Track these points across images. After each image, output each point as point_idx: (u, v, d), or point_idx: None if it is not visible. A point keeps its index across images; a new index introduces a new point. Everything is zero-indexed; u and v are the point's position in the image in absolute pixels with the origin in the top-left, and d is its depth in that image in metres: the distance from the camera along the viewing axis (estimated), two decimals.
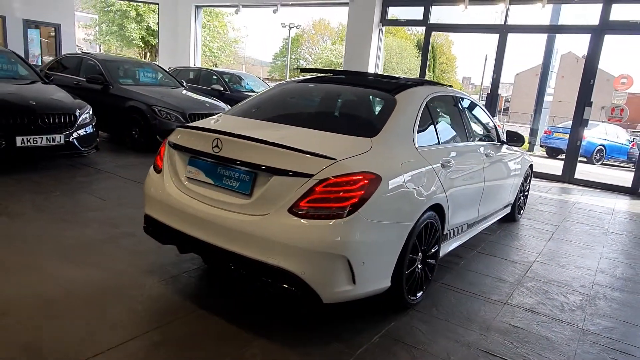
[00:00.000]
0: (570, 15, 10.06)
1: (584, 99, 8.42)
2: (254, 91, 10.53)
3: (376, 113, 3.02)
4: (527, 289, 3.49)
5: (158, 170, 2.97)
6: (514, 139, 4.63)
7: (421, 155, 2.90)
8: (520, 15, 9.23)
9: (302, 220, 2.31)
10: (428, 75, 10.68)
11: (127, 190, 5.18)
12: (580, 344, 2.73)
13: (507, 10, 9.06)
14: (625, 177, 10.15)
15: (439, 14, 10.18)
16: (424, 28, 10.13)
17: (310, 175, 2.32)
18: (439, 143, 3.28)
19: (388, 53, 37.45)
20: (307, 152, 2.40)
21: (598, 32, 8.16)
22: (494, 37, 9.30)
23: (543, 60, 17.01)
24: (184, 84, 8.68)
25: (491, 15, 9.65)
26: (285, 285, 2.36)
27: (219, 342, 2.41)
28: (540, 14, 8.97)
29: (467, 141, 3.79)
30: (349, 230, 2.29)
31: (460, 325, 2.81)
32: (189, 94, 8.05)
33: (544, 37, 16.38)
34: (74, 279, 2.93)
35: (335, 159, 2.36)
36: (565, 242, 4.88)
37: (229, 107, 4.09)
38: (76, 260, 3.21)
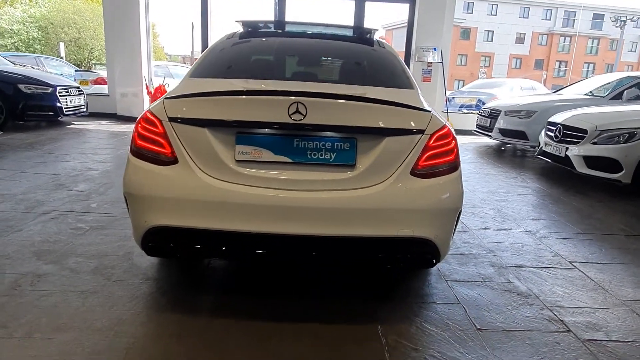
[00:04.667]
0: None
1: None
2: None
3: (388, 65, 2.86)
4: None
5: (168, 161, 2.08)
6: None
7: None
8: None
9: (425, 181, 2.12)
10: None
11: None
12: None
13: None
14: None
15: None
16: None
17: (422, 131, 2.12)
18: None
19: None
20: (412, 107, 2.17)
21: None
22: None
23: None
24: None
25: None
26: (415, 255, 2.15)
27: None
28: None
29: None
30: (461, 181, 2.24)
31: None
32: None
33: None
34: None
35: (430, 111, 2.22)
36: None
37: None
38: None
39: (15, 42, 33.31)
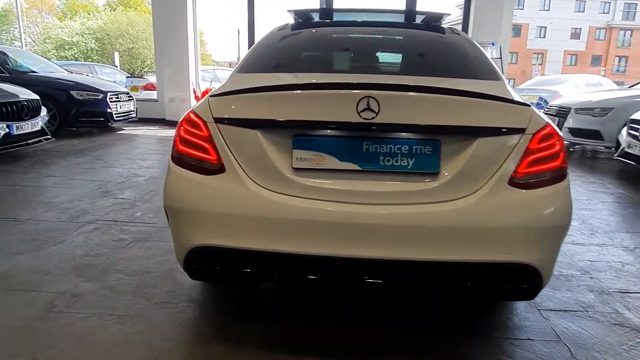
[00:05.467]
0: None
1: None
2: (34, 71, 7.88)
3: (466, 54, 2.45)
4: None
5: (214, 170, 1.77)
6: None
7: None
8: None
9: (527, 192, 1.70)
10: None
11: None
12: None
13: None
14: None
15: None
16: None
17: (522, 130, 1.70)
18: None
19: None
20: (509, 100, 1.76)
21: None
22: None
23: None
24: None
25: None
26: (513, 285, 1.73)
27: None
28: None
29: None
30: (569, 192, 1.80)
31: None
32: None
33: None
34: None
35: (530, 105, 1.80)
36: None
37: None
38: None
39: (75, 53, 35.01)
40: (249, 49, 9.32)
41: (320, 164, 1.71)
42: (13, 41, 40.42)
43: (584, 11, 55.11)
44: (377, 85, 1.66)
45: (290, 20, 2.82)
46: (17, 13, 28.43)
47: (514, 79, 46.83)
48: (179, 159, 1.85)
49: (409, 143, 1.69)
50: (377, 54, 2.55)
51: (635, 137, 5.17)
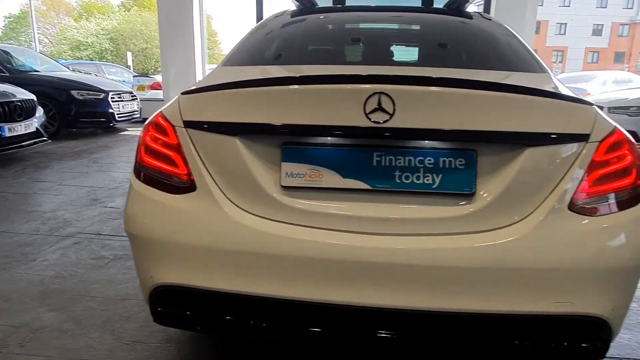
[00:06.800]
0: None
1: None
2: (36, 71, 7.62)
3: (501, 41, 2.02)
4: None
5: (183, 187, 1.38)
6: None
7: None
8: None
9: (594, 220, 1.26)
10: None
11: None
12: None
13: None
14: None
15: None
16: None
17: (585, 137, 1.27)
18: None
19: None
20: (565, 97, 1.34)
21: None
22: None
23: None
24: None
25: None
26: (576, 343, 1.30)
27: None
28: None
29: None
30: None
31: None
32: None
33: None
34: None
35: (593, 105, 1.36)
36: None
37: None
38: None
39: (90, 53, 35.23)
40: None
41: (317, 181, 1.30)
42: (31, 42, 40.87)
43: (606, 7, 53.65)
44: (390, 78, 1.25)
45: (292, 6, 2.43)
46: (31, 14, 28.64)
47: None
48: (141, 172, 1.46)
49: (435, 154, 1.27)
50: (392, 44, 2.11)
51: None
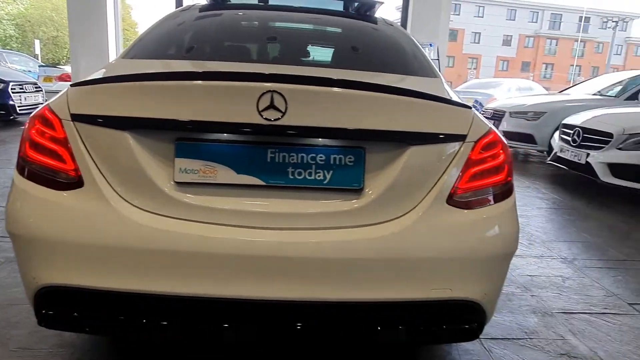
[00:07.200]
0: None
1: None
2: None
3: (400, 47, 2.11)
4: None
5: (70, 183, 1.32)
6: None
7: None
8: None
9: (469, 213, 1.39)
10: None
11: None
12: None
13: None
14: None
15: None
16: None
17: (462, 137, 1.39)
18: None
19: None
20: (447, 101, 1.45)
21: None
22: None
23: None
24: None
25: None
26: (454, 325, 1.42)
27: None
28: None
29: None
30: (516, 212, 1.52)
31: None
32: None
33: None
34: None
35: (471, 108, 1.50)
36: None
37: None
38: None
39: None
40: None
41: (212, 177, 1.31)
42: None
43: (514, 19, 58.17)
44: (282, 77, 1.28)
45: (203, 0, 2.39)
46: None
47: (451, 82, 48.46)
48: (25, 168, 1.38)
49: (326, 151, 1.32)
50: (294, 44, 2.16)
51: (567, 141, 5.18)
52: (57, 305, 1.35)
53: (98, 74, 1.47)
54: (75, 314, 1.35)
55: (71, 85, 1.40)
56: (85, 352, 1.77)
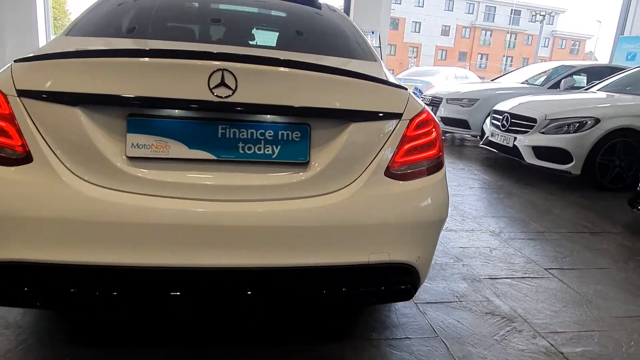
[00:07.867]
0: None
1: None
2: None
3: (342, 32, 2.21)
4: None
5: (18, 159, 1.33)
6: None
7: None
8: None
9: (404, 184, 1.54)
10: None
11: None
12: None
13: None
14: None
15: None
16: None
17: (399, 115, 1.54)
18: None
19: None
20: (386, 82, 1.58)
21: None
22: None
23: None
24: None
25: None
26: (391, 287, 1.58)
27: None
28: None
29: None
30: (446, 183, 1.69)
31: None
32: None
33: None
34: None
35: (407, 89, 1.64)
36: None
37: None
38: None
39: None
40: None
41: (164, 152, 1.36)
42: None
43: (452, 10, 60.17)
44: (233, 56, 1.35)
45: None
46: None
47: (392, 70, 49.51)
48: None
49: (274, 127, 1.41)
50: (243, 26, 2.22)
51: (497, 126, 5.55)
52: (6, 282, 1.36)
53: (44, 50, 1.46)
54: (26, 289, 1.37)
55: (15, 61, 1.39)
56: (31, 333, 1.76)
